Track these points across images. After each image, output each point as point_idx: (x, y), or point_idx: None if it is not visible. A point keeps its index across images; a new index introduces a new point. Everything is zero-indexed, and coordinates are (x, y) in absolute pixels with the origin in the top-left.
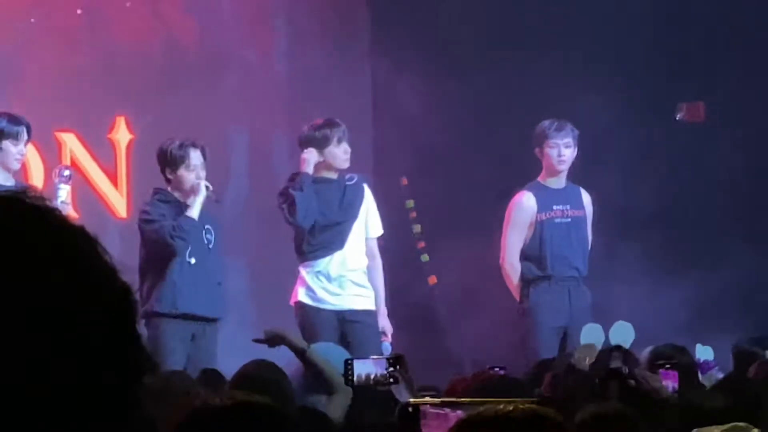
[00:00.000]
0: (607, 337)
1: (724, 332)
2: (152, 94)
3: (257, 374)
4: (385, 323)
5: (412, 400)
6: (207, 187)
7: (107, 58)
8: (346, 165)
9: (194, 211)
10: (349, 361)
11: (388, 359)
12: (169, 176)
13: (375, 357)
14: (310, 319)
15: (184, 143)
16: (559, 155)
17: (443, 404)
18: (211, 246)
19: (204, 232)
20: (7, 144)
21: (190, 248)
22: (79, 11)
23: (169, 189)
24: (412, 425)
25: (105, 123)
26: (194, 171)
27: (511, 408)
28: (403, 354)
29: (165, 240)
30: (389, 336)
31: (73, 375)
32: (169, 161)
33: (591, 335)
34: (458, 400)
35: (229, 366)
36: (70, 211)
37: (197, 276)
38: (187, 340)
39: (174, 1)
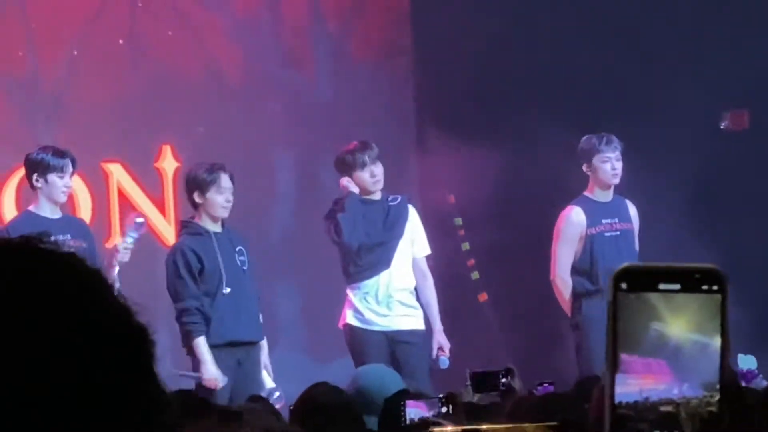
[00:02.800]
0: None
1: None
2: (197, 121)
3: (323, 399)
4: (441, 339)
5: (435, 429)
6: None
7: (151, 87)
8: (375, 188)
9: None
10: (402, 404)
11: (440, 399)
12: (198, 200)
13: (427, 399)
14: (359, 340)
15: (214, 166)
16: (613, 169)
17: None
18: (245, 267)
19: (237, 254)
20: (53, 177)
21: (225, 278)
22: (121, 41)
23: (196, 219)
24: None
25: (151, 152)
26: (224, 194)
27: None
28: (455, 393)
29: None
30: (446, 351)
31: (85, 419)
32: (200, 184)
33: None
34: (479, 427)
35: (279, 389)
36: (125, 258)
37: (235, 303)
38: (234, 366)
39: (216, 28)
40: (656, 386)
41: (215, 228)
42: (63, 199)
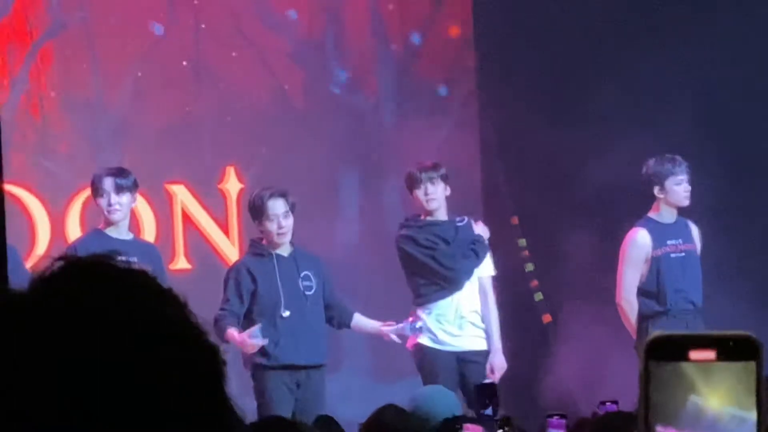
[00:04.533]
0: None
1: None
2: (261, 142)
3: (391, 423)
4: (495, 360)
5: None
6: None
7: (215, 109)
8: (429, 206)
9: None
10: (458, 426)
11: (497, 421)
12: (259, 227)
13: (484, 417)
14: (430, 360)
15: (263, 193)
16: (686, 190)
17: None
18: (309, 293)
19: (301, 279)
20: (99, 200)
21: (283, 301)
22: (185, 63)
23: (264, 240)
24: None
25: (215, 173)
26: (275, 220)
27: None
28: (510, 416)
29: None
30: (496, 374)
31: None
32: (253, 213)
33: None
34: None
35: (345, 412)
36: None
37: (294, 327)
38: (294, 388)
39: (280, 49)
40: None
41: (280, 251)
42: (116, 217)
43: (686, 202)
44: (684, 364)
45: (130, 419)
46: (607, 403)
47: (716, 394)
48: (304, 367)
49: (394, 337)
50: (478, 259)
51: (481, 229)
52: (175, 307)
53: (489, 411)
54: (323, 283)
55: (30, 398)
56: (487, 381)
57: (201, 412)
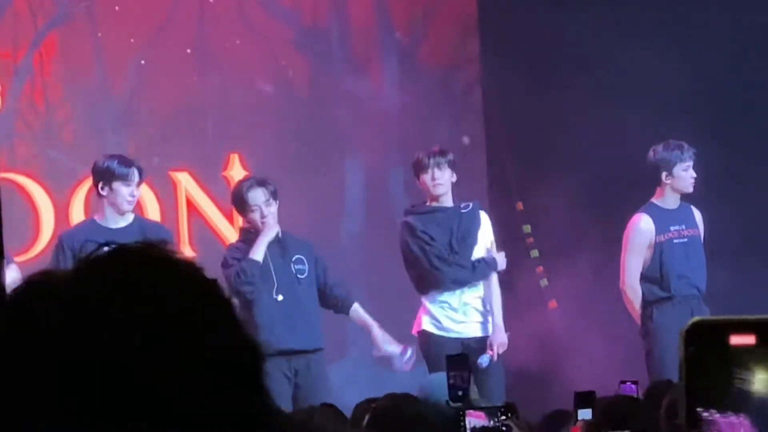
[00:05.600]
0: None
1: None
2: (265, 129)
3: (399, 409)
4: (495, 337)
5: None
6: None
7: (218, 96)
8: (435, 192)
9: (257, 254)
10: (461, 413)
11: (499, 408)
12: (245, 220)
13: (486, 406)
14: (435, 347)
15: (241, 186)
16: (692, 177)
17: None
18: (302, 276)
19: (293, 263)
20: (117, 185)
21: (276, 285)
22: (188, 51)
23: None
24: None
25: (219, 161)
26: (256, 211)
27: None
28: (513, 402)
29: (234, 287)
30: (495, 350)
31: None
32: (236, 206)
33: None
34: None
35: (351, 399)
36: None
37: (288, 311)
38: (291, 376)
39: (284, 37)
40: None
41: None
42: (127, 208)
43: (691, 189)
44: (723, 349)
45: (129, 419)
46: (628, 382)
47: (754, 377)
48: (302, 352)
49: (384, 352)
50: (473, 273)
51: (500, 258)
52: (217, 296)
53: (459, 381)
54: (316, 267)
55: (30, 398)
56: (457, 353)
57: (239, 405)
